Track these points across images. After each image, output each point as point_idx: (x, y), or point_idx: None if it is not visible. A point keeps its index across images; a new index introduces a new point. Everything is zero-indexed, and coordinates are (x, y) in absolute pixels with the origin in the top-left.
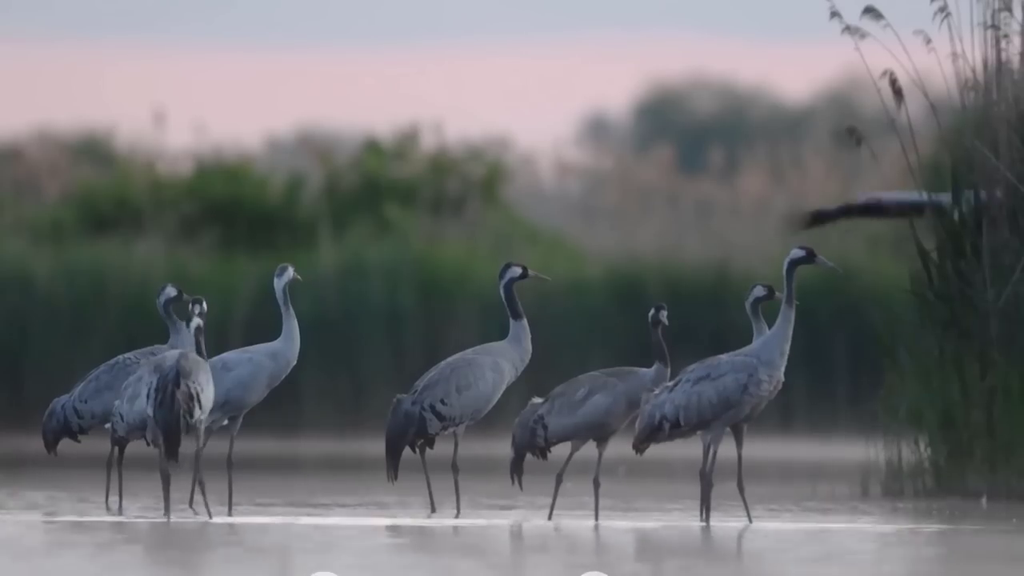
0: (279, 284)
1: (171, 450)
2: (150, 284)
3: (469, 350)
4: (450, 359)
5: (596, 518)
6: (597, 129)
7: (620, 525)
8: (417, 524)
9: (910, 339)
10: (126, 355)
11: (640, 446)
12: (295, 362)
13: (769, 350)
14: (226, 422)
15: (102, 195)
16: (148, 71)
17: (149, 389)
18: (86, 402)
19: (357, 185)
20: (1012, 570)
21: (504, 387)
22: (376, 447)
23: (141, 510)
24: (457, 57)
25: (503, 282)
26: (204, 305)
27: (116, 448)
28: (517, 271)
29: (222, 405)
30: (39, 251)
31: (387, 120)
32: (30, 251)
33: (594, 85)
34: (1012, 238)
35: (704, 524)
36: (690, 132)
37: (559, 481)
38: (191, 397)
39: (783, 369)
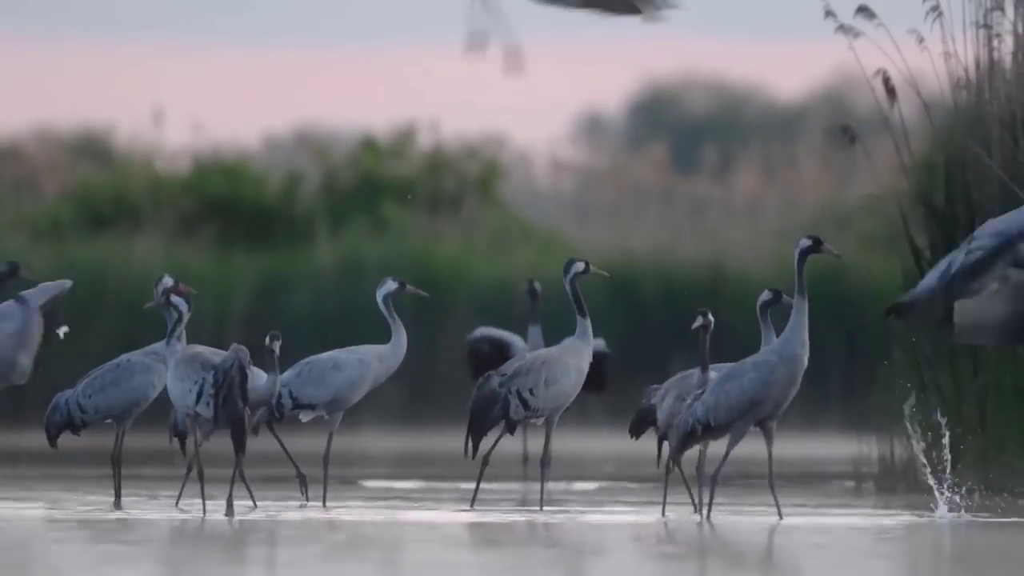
0: (379, 295)
1: (240, 444)
2: (149, 281)
3: (554, 348)
4: (538, 353)
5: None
6: (591, 127)
7: (615, 520)
8: (486, 521)
9: (903, 336)
10: (129, 355)
11: (676, 455)
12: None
13: (790, 345)
14: (324, 417)
15: (101, 193)
16: (146, 70)
17: (201, 386)
18: (90, 397)
19: (354, 183)
20: (1003, 565)
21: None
22: (374, 443)
23: (139, 504)
24: (453, 56)
25: (568, 277)
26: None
27: (118, 440)
28: (580, 266)
29: (329, 403)
30: (38, 248)
31: (384, 118)
32: (29, 248)
33: (588, 84)
34: None
35: (699, 519)
36: (684, 130)
37: (713, 480)
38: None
39: (806, 359)
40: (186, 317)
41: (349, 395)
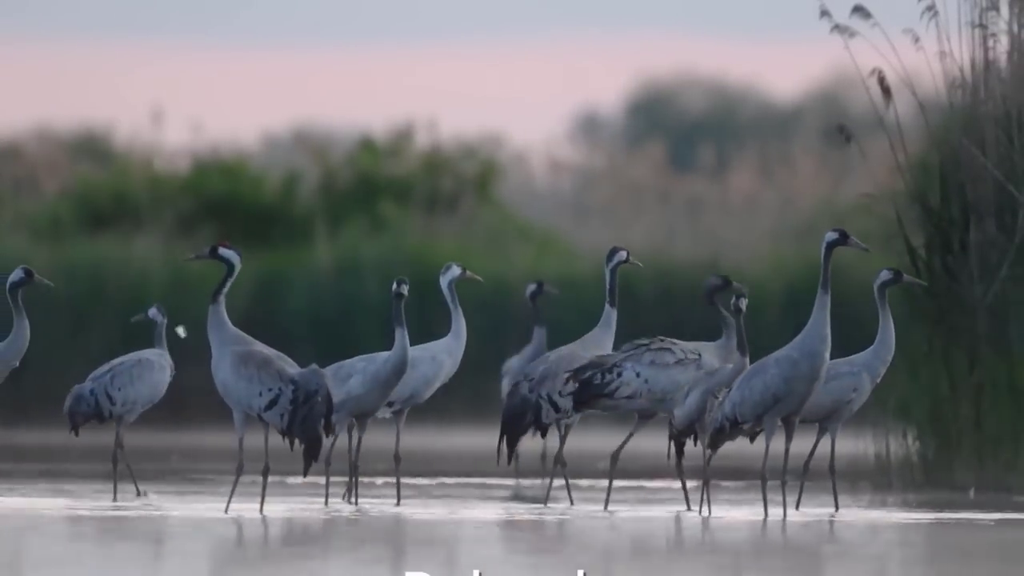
0: (444, 281)
1: (314, 456)
2: (148, 280)
3: (576, 344)
4: (560, 353)
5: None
6: (589, 127)
7: (611, 517)
8: (516, 519)
9: (898, 334)
10: (140, 353)
11: (710, 447)
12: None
13: (809, 340)
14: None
15: (100, 192)
16: (146, 70)
17: (277, 396)
18: (120, 390)
19: (352, 182)
20: (999, 563)
21: None
22: (373, 441)
23: (136, 501)
24: (450, 55)
25: (611, 265)
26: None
27: (117, 438)
28: (623, 255)
29: (407, 398)
30: (38, 247)
31: (382, 118)
32: (29, 247)
33: (586, 83)
34: (999, 235)
35: (705, 516)
36: (681, 130)
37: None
38: (330, 411)
39: (827, 354)
40: (237, 269)
41: (424, 391)
